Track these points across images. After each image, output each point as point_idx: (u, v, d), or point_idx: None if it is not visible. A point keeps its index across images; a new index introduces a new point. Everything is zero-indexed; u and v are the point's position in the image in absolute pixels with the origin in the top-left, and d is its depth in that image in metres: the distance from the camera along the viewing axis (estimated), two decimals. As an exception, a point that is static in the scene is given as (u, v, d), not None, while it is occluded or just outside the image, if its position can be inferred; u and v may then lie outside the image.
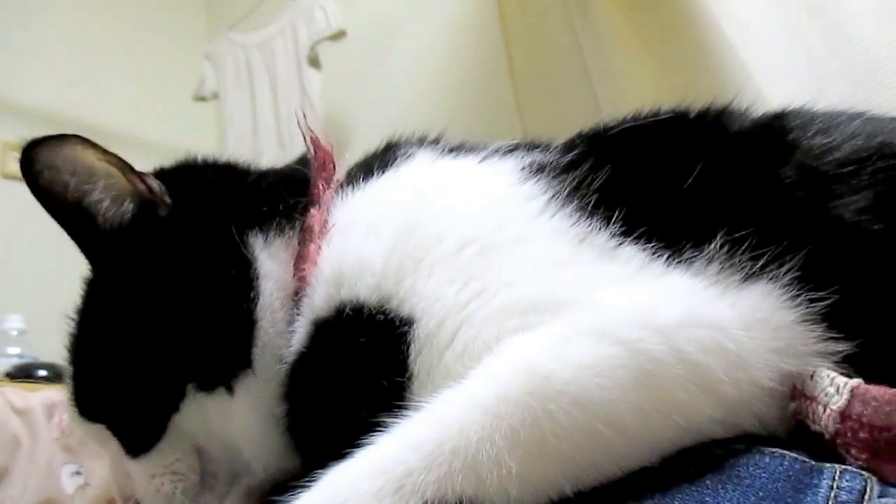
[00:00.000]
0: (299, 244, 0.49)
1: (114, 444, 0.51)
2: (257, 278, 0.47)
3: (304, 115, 0.53)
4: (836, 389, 0.33)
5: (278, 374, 0.47)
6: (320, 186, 0.50)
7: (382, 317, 0.42)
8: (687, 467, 0.34)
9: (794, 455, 0.33)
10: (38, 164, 0.46)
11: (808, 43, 0.94)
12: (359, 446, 0.36)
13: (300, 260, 0.48)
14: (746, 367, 0.35)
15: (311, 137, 0.53)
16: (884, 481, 0.31)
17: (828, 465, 0.32)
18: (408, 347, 0.41)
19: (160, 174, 0.52)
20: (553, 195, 0.43)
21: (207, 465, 0.50)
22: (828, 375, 0.34)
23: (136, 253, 0.48)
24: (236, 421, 0.48)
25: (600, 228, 0.41)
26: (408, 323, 0.42)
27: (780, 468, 0.33)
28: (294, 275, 0.48)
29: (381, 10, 2.13)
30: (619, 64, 1.22)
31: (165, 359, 0.47)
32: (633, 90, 1.20)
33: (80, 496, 1.14)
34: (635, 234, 0.41)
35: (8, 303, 1.75)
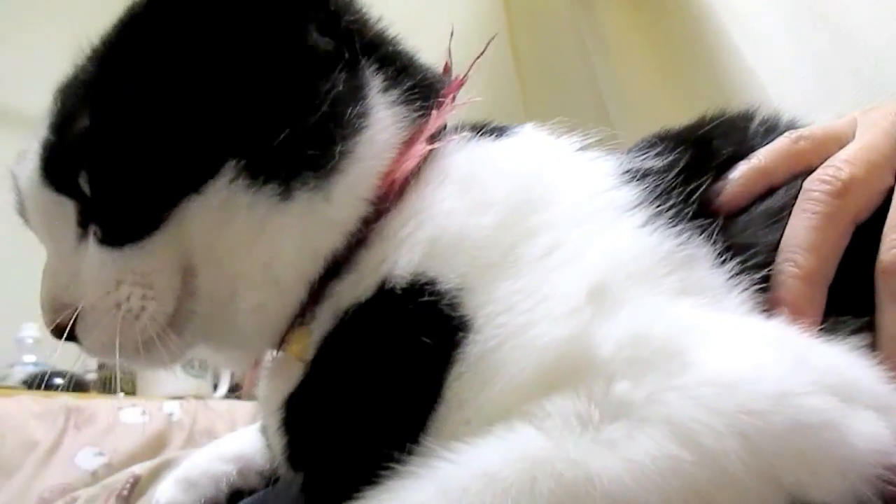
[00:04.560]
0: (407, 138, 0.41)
1: (68, 232, 0.41)
2: (364, 99, 0.39)
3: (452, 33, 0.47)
4: None
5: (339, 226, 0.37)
6: (445, 104, 0.43)
7: (448, 309, 0.33)
8: None
9: None
10: None
11: (816, 49, 0.94)
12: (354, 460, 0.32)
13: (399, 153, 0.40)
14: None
15: (447, 62, 0.48)
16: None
17: None
18: (450, 366, 0.32)
19: None
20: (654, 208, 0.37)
21: (187, 299, 0.39)
22: None
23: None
24: (267, 242, 0.37)
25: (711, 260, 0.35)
26: (463, 329, 0.33)
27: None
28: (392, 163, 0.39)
29: (388, 10, 2.14)
30: (625, 66, 1.22)
31: (217, 118, 0.37)
32: (638, 92, 1.20)
33: (103, 473, 1.11)
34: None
35: (23, 311, 1.77)
